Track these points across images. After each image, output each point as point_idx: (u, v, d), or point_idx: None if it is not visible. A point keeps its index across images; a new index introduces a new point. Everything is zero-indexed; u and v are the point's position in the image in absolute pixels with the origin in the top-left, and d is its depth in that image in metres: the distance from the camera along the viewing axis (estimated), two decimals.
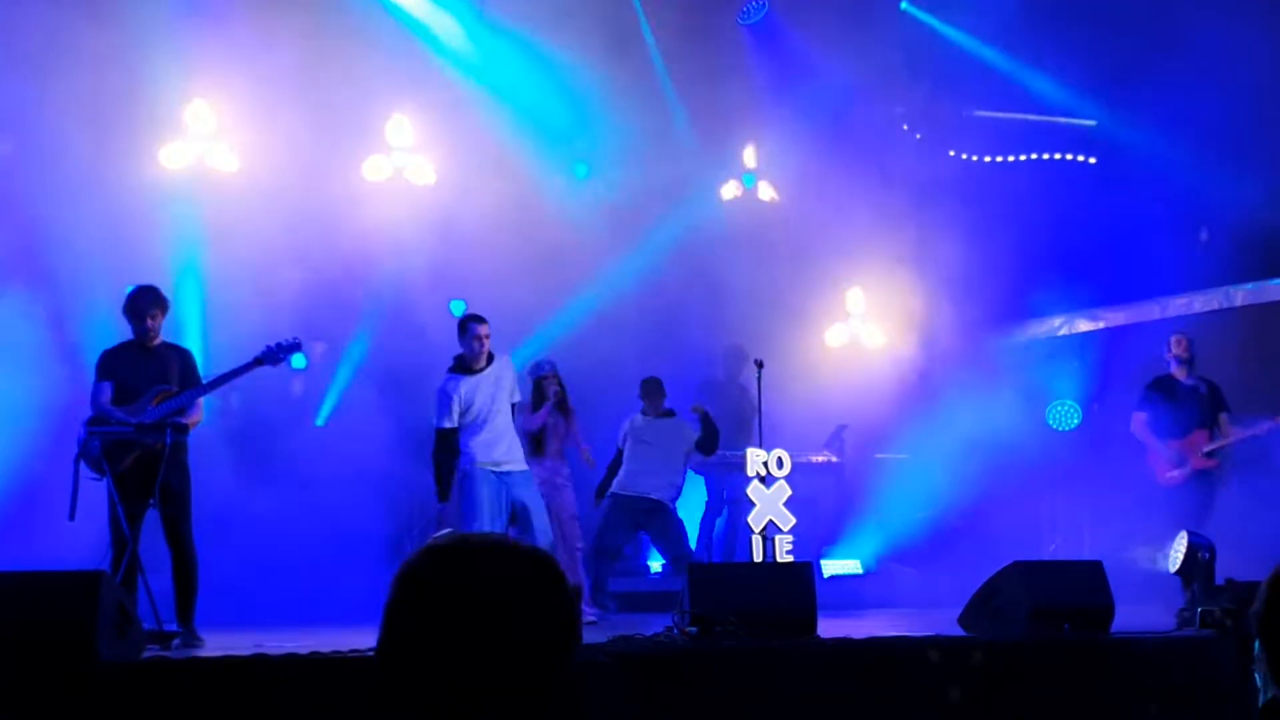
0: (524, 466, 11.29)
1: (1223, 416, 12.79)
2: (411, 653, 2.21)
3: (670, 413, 13.48)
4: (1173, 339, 12.99)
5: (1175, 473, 12.61)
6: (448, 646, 2.19)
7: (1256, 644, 3.95)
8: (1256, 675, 3.84)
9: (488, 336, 11.15)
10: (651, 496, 13.06)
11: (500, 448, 11.08)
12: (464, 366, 11.16)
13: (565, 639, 2.27)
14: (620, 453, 13.35)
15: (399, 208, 15.09)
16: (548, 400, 12.33)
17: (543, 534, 10.91)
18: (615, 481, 13.23)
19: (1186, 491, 12.49)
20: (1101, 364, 15.27)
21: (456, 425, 11.04)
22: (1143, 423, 12.84)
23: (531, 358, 13.26)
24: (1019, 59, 16.49)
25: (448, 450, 11.05)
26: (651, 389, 13.51)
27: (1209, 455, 12.61)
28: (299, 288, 13.98)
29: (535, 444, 12.36)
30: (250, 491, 13.02)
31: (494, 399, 11.11)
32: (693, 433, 13.29)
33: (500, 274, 14.69)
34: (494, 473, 11.01)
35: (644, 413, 13.48)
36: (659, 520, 13.05)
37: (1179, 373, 12.83)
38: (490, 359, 11.23)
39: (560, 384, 12.51)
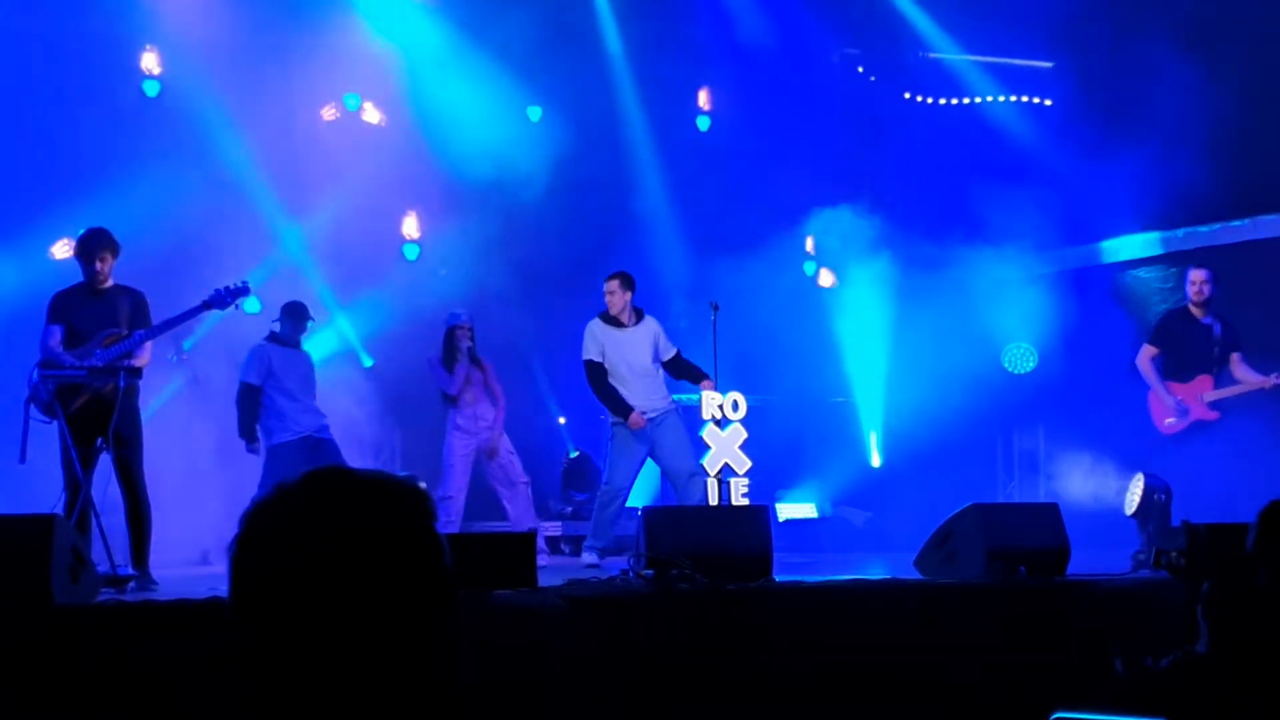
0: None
1: (1234, 357, 12.23)
2: (261, 597, 2.10)
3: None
4: (1190, 273, 12.40)
5: (1174, 421, 12.20)
6: (296, 589, 2.07)
7: (1204, 585, 3.94)
8: (1200, 617, 3.81)
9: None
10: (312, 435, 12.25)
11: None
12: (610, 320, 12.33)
13: (424, 572, 2.14)
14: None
15: None
16: (461, 357, 12.40)
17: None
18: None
19: (1182, 442, 12.06)
20: (1056, 307, 15.26)
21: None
22: (1149, 358, 12.35)
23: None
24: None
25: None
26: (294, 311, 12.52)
27: (1212, 406, 12.12)
28: None
29: (449, 398, 12.44)
30: (206, 433, 13.04)
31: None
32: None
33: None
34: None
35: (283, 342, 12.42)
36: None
37: (1195, 309, 12.27)
38: (639, 316, 12.39)
39: (472, 338, 12.53)
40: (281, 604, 2.08)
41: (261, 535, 2.13)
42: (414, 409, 14.32)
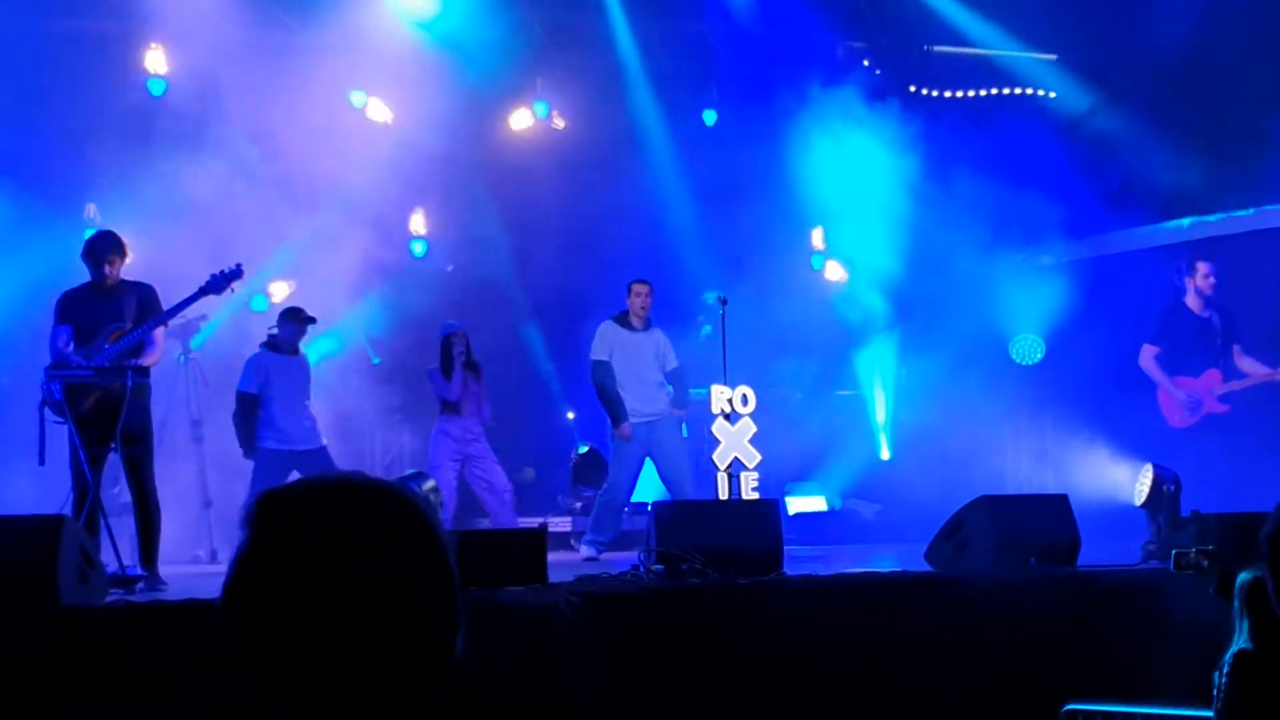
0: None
1: (1235, 349, 12.22)
2: (262, 597, 2.10)
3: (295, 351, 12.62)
4: (1198, 265, 12.27)
5: (1186, 416, 12.16)
6: (295, 590, 2.08)
7: (1240, 576, 3.83)
8: (1235, 616, 3.71)
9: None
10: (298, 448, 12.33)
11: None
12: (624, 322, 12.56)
13: (421, 575, 2.16)
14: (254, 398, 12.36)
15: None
16: (455, 365, 12.42)
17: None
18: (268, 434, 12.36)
19: (1196, 438, 12.01)
20: (1064, 298, 15.23)
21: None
22: (1153, 357, 12.32)
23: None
24: None
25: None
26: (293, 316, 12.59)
27: (1221, 399, 12.10)
28: None
29: (450, 405, 12.44)
30: (214, 431, 13.05)
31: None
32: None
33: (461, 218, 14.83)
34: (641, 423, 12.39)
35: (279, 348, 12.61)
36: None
37: (1193, 302, 12.24)
38: (648, 324, 12.61)
39: (467, 345, 12.54)
40: (286, 599, 2.09)
41: (271, 533, 2.14)
42: (422, 406, 14.33)
